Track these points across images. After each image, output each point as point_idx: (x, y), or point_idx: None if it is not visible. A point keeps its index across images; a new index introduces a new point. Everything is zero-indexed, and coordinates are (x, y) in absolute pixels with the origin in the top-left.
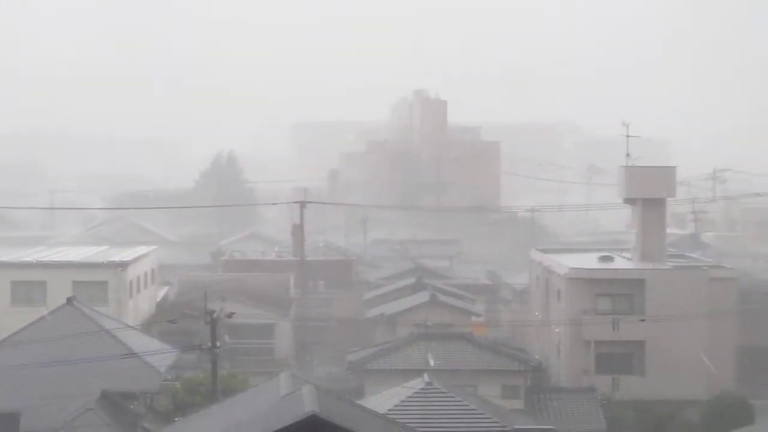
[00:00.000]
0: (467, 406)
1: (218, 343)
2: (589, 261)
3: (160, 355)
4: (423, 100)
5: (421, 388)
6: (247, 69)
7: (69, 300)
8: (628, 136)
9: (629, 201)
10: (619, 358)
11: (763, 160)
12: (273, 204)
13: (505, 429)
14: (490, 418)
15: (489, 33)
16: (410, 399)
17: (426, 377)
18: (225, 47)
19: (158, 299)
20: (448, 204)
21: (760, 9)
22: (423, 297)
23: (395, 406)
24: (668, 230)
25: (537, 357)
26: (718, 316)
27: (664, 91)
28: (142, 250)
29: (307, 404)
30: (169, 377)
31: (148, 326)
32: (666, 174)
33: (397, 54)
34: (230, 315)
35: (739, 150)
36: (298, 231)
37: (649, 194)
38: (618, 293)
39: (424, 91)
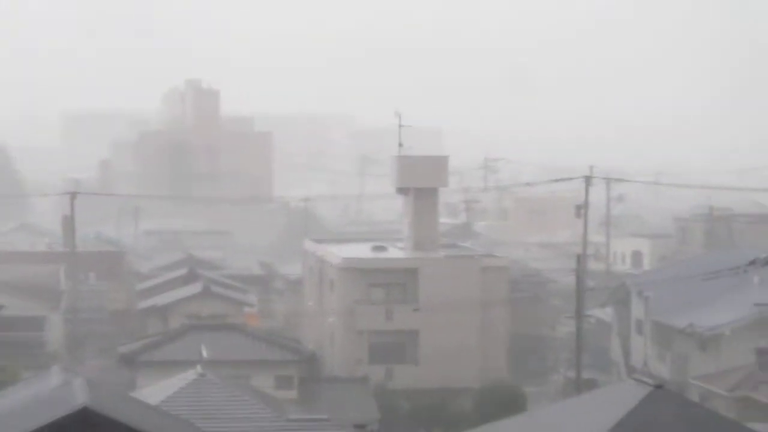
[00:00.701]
0: (240, 397)
1: None
2: (362, 251)
3: None
4: (195, 90)
5: (194, 380)
6: (10, 53)
7: None
8: (400, 126)
9: (402, 191)
10: (393, 348)
11: (533, 150)
12: (43, 195)
13: (279, 419)
14: (263, 408)
15: (258, 24)
16: (183, 390)
17: (199, 369)
18: None
19: None
20: (220, 194)
21: None
22: (195, 288)
23: (168, 397)
24: (440, 220)
25: (310, 347)
26: (490, 304)
27: (437, 80)
28: None
29: (79, 397)
30: None
31: None
32: (438, 163)
33: (169, 43)
34: None
35: (511, 140)
36: (69, 222)
37: (421, 184)
38: (391, 283)
39: (197, 80)
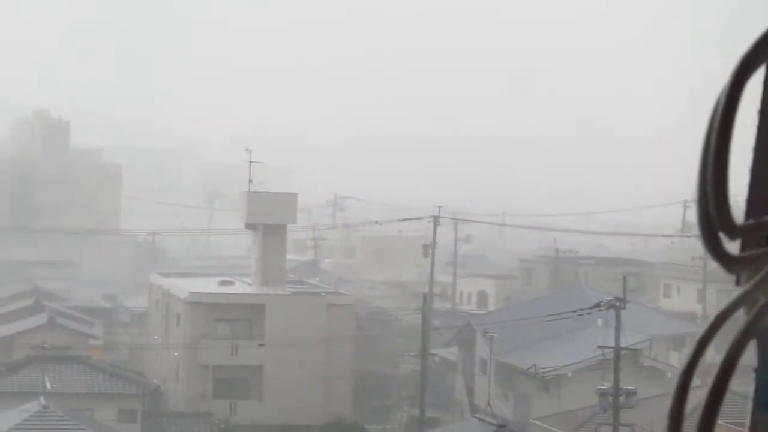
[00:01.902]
0: (83, 429)
1: None
2: (208, 285)
3: None
4: (44, 120)
5: (37, 411)
6: None
7: None
8: (250, 162)
9: (250, 226)
10: (238, 383)
11: (381, 189)
12: None
13: None
14: None
15: (112, 51)
16: (25, 422)
17: (42, 400)
18: None
19: None
20: (66, 226)
21: None
22: (40, 319)
23: (10, 429)
24: (288, 256)
25: (155, 381)
26: (336, 341)
27: (288, 118)
28: None
29: None
30: None
31: None
32: (287, 200)
33: (17, 69)
34: None
35: (359, 179)
36: None
37: (269, 220)
38: (237, 318)
39: (46, 111)
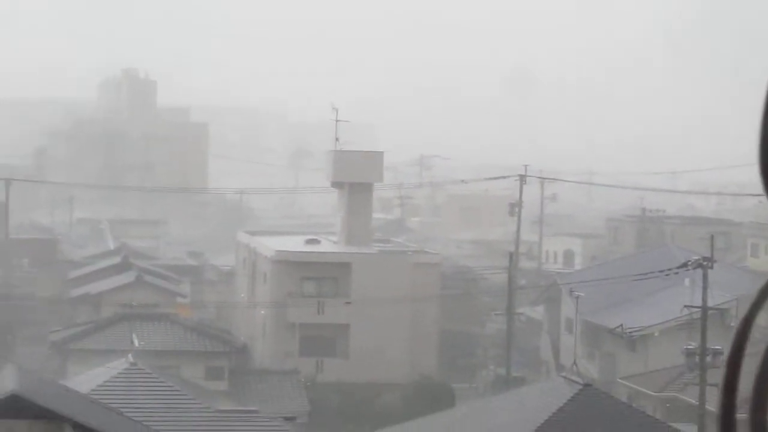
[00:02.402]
0: (171, 387)
1: None
2: (295, 244)
3: None
4: (132, 79)
5: (125, 369)
6: None
7: None
8: (336, 121)
9: (336, 185)
10: (324, 341)
11: (468, 148)
12: None
13: (208, 410)
14: (193, 399)
15: (196, 14)
16: (113, 379)
17: (130, 358)
18: None
19: None
20: (154, 184)
21: None
22: (128, 277)
23: (98, 386)
24: (374, 215)
25: (242, 339)
26: (421, 300)
27: (374, 75)
28: None
29: (8, 383)
30: None
31: None
32: (373, 159)
33: (107, 31)
34: None
35: (444, 136)
36: (2, 209)
37: (355, 179)
38: (324, 276)
39: (134, 70)
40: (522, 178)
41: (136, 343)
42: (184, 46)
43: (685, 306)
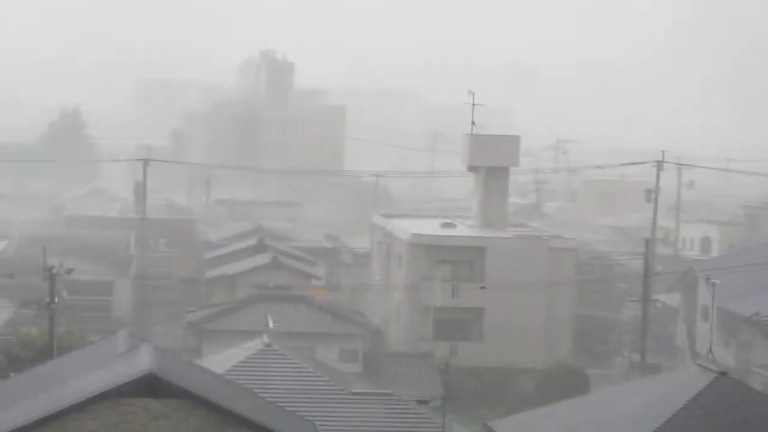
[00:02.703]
0: (305, 368)
1: (56, 299)
2: (431, 227)
3: None
4: (270, 61)
5: (260, 350)
6: (86, 22)
7: None
8: (473, 104)
9: (473, 169)
10: (458, 325)
11: (605, 133)
12: (116, 161)
13: (343, 392)
14: (327, 381)
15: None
16: (248, 360)
17: (265, 339)
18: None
19: None
20: (291, 166)
21: None
22: (264, 258)
23: (233, 366)
24: (510, 199)
25: (376, 322)
26: (557, 285)
27: (512, 59)
28: None
29: (144, 362)
30: (5, 333)
31: None
32: (510, 143)
33: (244, 14)
34: (69, 271)
35: (581, 122)
36: (141, 189)
37: (492, 163)
38: (459, 260)
39: (272, 52)
40: (659, 164)
41: (271, 324)
42: (322, 28)
43: None
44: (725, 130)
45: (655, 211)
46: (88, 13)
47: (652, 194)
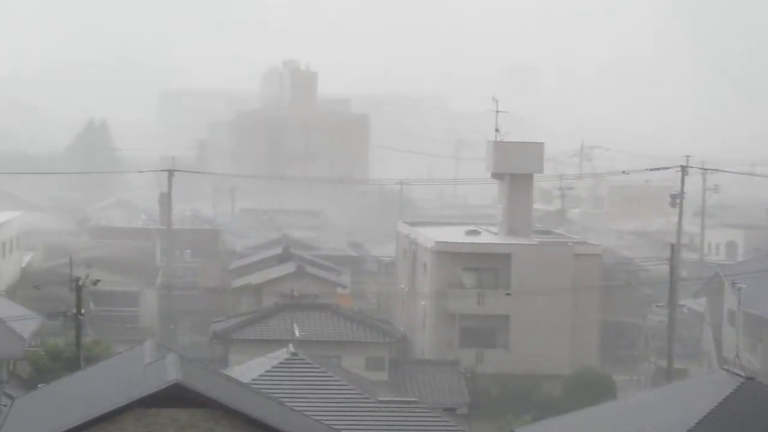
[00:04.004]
0: (331, 377)
1: (83, 310)
2: (455, 235)
3: (23, 321)
4: (293, 70)
5: (286, 359)
6: (109, 32)
7: None
8: (497, 111)
9: (497, 176)
10: (484, 332)
11: (629, 138)
12: (141, 172)
13: (369, 400)
14: (353, 389)
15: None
16: (275, 369)
17: (291, 348)
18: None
19: (23, 265)
20: (315, 175)
21: None
22: (289, 267)
23: (260, 376)
24: (535, 206)
25: (402, 329)
26: (582, 291)
27: (534, 65)
28: (6, 215)
29: (171, 372)
30: (33, 343)
31: (11, 292)
32: (534, 150)
33: (266, 23)
34: (95, 282)
35: (606, 127)
36: (166, 199)
37: (516, 169)
38: (484, 267)
39: (295, 61)
40: (683, 169)
41: (297, 333)
42: (343, 36)
43: None
44: (749, 134)
45: (680, 216)
46: (112, 24)
47: (677, 199)
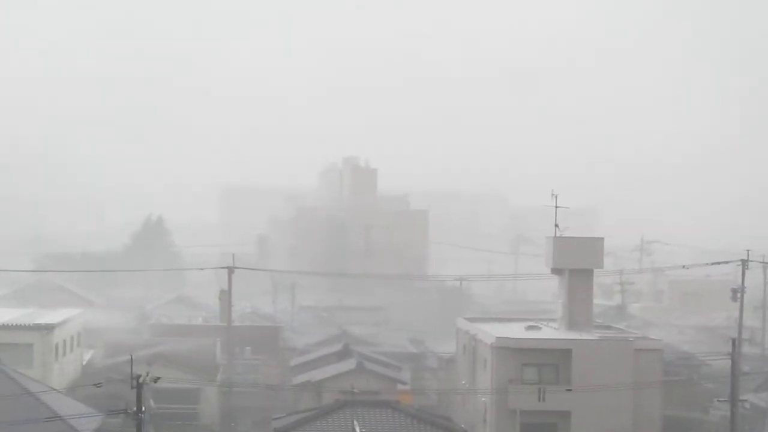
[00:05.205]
0: None
1: (143, 408)
2: (515, 330)
3: (85, 419)
4: (353, 167)
5: None
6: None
7: None
8: (556, 207)
9: (556, 271)
10: (545, 428)
11: (688, 233)
12: (201, 269)
13: None
14: None
15: (410, 104)
16: None
17: None
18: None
19: (84, 362)
20: (375, 271)
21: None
22: (350, 364)
23: None
24: (595, 300)
25: (462, 426)
26: (643, 387)
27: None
28: (68, 312)
29: None
30: None
31: (73, 390)
32: (593, 245)
33: (323, 121)
34: (156, 379)
35: (665, 221)
36: (226, 296)
37: (576, 265)
38: (544, 363)
39: (354, 158)
40: (744, 263)
41: (358, 429)
42: (401, 133)
43: None
44: None
45: (741, 310)
46: (171, 121)
47: (737, 293)
